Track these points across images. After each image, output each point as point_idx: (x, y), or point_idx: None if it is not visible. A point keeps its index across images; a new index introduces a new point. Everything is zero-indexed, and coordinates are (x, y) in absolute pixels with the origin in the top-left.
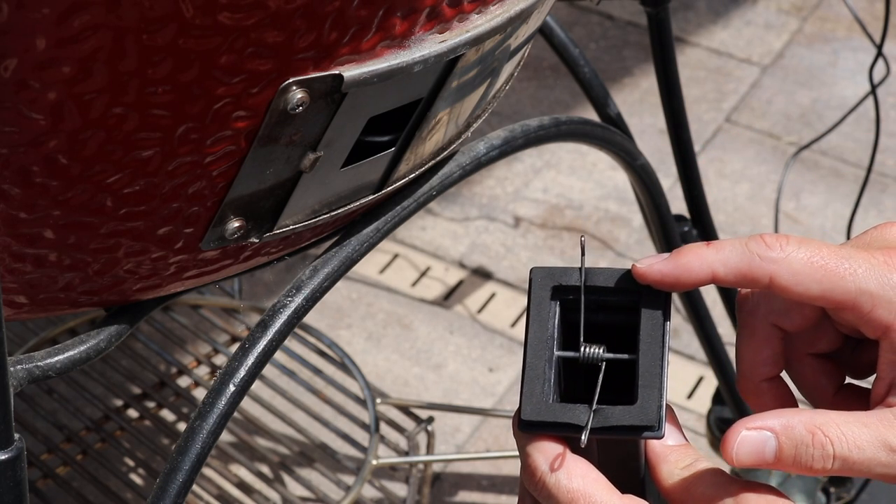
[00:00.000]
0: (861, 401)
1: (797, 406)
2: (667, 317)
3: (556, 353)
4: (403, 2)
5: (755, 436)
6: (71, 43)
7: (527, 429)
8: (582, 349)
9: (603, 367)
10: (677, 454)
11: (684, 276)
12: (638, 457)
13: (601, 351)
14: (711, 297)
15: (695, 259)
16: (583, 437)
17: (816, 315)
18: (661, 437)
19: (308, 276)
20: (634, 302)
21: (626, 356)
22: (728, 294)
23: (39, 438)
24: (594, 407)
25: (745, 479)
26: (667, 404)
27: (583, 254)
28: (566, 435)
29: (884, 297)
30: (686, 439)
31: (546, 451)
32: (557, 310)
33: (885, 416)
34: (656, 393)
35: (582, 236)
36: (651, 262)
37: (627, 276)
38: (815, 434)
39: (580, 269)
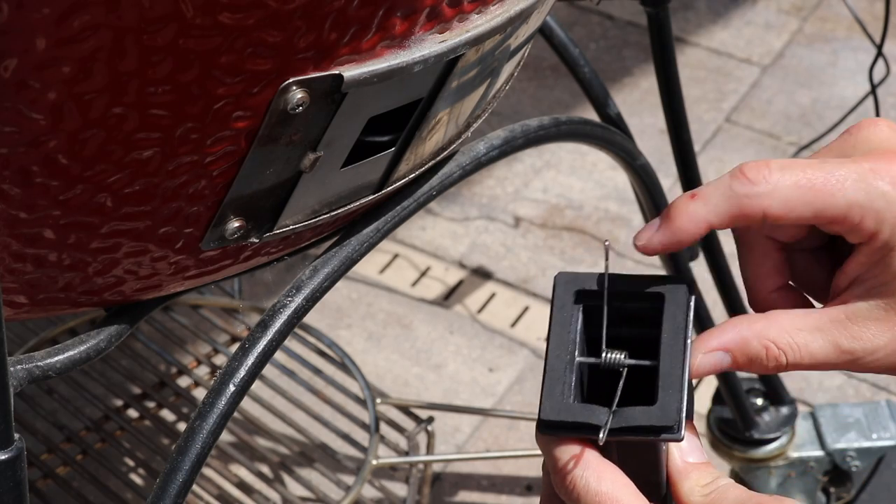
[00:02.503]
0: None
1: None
2: (688, 321)
3: (578, 358)
4: (403, 2)
5: (711, 359)
6: (71, 43)
7: (546, 430)
8: (603, 355)
9: (624, 372)
10: (699, 472)
11: (683, 238)
12: (659, 471)
13: (622, 357)
14: (712, 298)
15: (687, 220)
16: (601, 436)
17: (808, 226)
18: (679, 440)
19: (308, 276)
20: (658, 308)
21: (647, 362)
22: (725, 285)
23: (39, 438)
24: (613, 408)
25: (765, 493)
26: (691, 422)
27: (606, 259)
28: (586, 437)
29: (871, 207)
30: (707, 458)
31: (575, 453)
32: (580, 315)
33: (838, 315)
34: (676, 395)
35: (606, 241)
36: (648, 237)
37: (651, 282)
38: (768, 349)
39: (604, 274)
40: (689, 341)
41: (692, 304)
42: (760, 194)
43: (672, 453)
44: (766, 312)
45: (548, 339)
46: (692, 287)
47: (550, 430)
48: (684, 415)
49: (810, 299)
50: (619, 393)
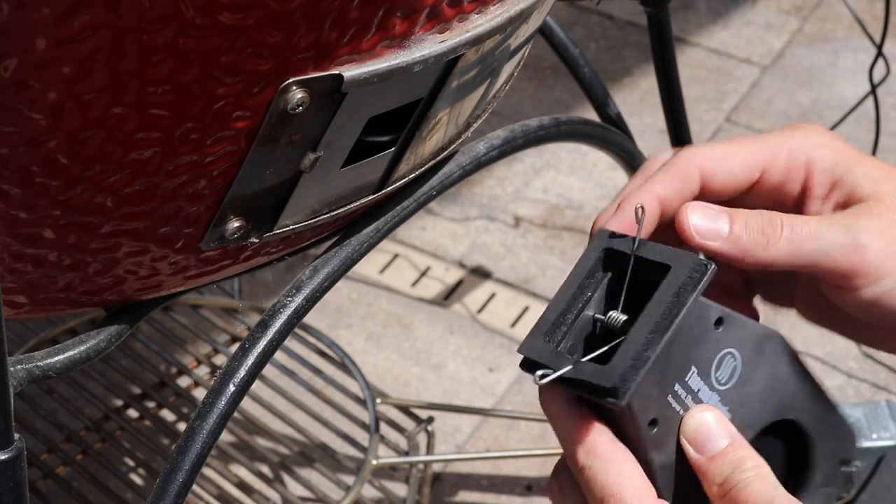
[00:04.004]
0: None
1: None
2: (682, 296)
3: (586, 312)
4: (403, 2)
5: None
6: (71, 43)
7: (522, 365)
8: (608, 314)
9: (596, 328)
10: (714, 469)
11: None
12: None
13: (621, 317)
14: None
15: (637, 196)
16: (538, 379)
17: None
18: (619, 407)
19: (308, 276)
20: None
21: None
22: None
23: (39, 438)
24: (577, 359)
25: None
26: (709, 406)
27: (639, 223)
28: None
29: (804, 149)
30: (729, 442)
31: (590, 435)
32: (601, 272)
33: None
34: (629, 361)
35: (639, 205)
36: (604, 220)
37: (674, 254)
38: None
39: (634, 238)
40: (676, 319)
41: (699, 282)
42: (693, 153)
43: (686, 448)
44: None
45: (562, 284)
46: (705, 267)
47: (525, 366)
48: (634, 384)
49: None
50: (600, 351)
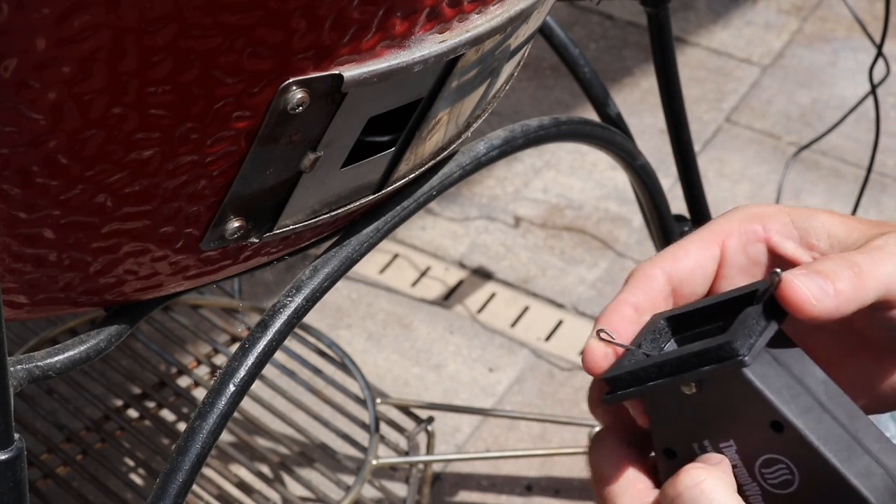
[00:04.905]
0: None
1: None
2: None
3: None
4: (403, 2)
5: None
6: (71, 43)
7: (610, 396)
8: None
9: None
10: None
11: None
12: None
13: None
14: None
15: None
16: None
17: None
18: (745, 362)
19: (308, 276)
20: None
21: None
22: None
23: (39, 438)
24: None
25: None
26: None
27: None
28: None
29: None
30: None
31: (613, 474)
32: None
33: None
34: (744, 329)
35: (776, 270)
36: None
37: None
38: None
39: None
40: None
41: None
42: (649, 260)
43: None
44: None
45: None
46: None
47: (612, 397)
48: (756, 343)
49: None
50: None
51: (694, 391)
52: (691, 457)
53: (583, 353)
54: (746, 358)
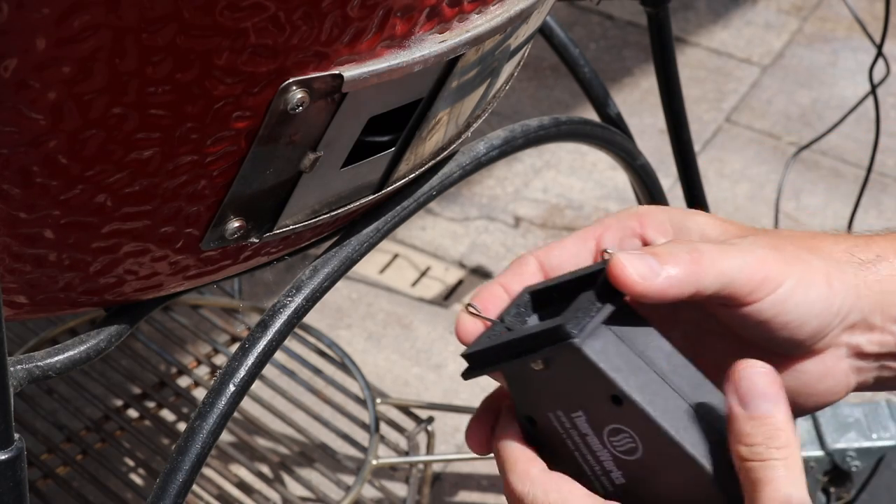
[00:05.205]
0: None
1: None
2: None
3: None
4: (403, 2)
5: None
6: (71, 43)
7: (468, 372)
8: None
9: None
10: (749, 430)
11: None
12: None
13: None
14: None
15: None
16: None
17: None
18: (576, 343)
19: (308, 276)
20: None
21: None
22: None
23: (39, 438)
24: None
25: None
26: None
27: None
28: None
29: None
30: (776, 410)
31: (521, 465)
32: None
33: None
34: (577, 313)
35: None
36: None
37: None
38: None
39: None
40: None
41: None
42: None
43: (728, 395)
44: None
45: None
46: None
47: (471, 371)
48: (588, 325)
49: None
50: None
51: (542, 367)
52: (549, 424)
53: (455, 326)
54: (576, 340)
